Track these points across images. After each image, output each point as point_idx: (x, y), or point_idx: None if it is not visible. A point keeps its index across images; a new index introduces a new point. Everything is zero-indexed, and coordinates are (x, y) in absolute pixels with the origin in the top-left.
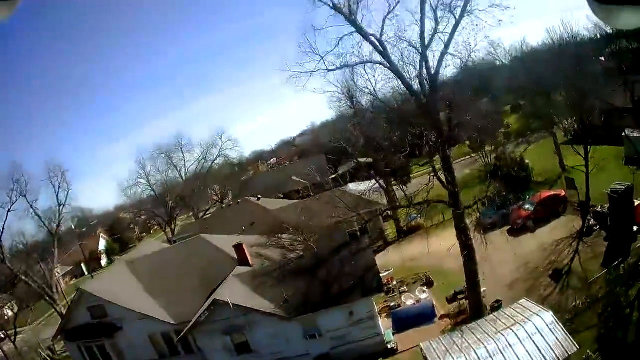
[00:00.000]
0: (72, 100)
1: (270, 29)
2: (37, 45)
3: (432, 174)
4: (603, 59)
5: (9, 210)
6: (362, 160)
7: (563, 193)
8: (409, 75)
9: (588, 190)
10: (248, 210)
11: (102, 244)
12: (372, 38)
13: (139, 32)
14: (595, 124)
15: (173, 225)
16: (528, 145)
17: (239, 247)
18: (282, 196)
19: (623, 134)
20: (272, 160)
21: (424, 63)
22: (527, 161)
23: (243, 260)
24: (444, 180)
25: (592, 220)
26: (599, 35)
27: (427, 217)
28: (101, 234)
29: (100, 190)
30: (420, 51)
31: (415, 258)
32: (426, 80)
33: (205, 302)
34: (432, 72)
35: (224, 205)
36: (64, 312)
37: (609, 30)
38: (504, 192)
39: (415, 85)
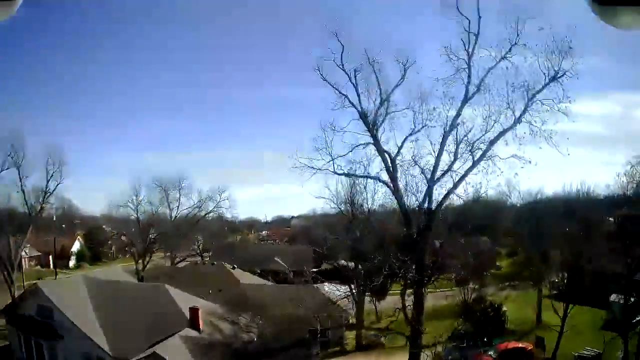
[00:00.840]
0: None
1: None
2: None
3: (399, 309)
4: (613, 219)
5: None
6: (344, 263)
7: (530, 347)
8: (409, 203)
9: (557, 348)
10: (221, 275)
11: (76, 245)
12: (386, 156)
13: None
14: (583, 284)
15: (147, 260)
16: (510, 292)
17: (194, 311)
18: (258, 271)
19: (610, 298)
20: (264, 232)
21: (428, 196)
22: (504, 308)
23: (195, 324)
24: (409, 316)
25: None
26: (615, 196)
27: (390, 339)
28: (79, 237)
29: (95, 192)
30: (428, 183)
31: None
32: (424, 214)
33: (146, 349)
34: (433, 206)
35: (198, 262)
36: (16, 293)
37: (628, 192)
38: (473, 333)
39: (412, 215)
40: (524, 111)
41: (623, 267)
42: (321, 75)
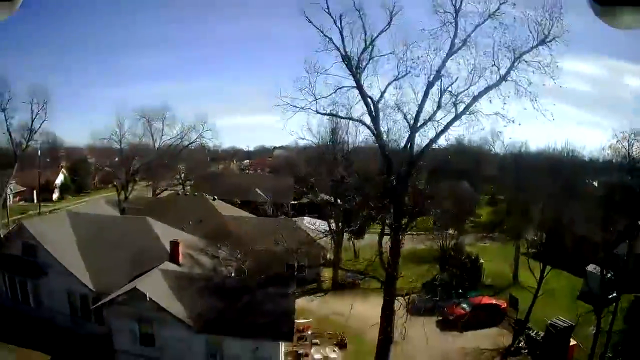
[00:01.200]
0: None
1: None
2: None
3: (376, 254)
4: (596, 184)
5: None
6: (325, 197)
7: (504, 305)
8: (391, 148)
9: (530, 312)
10: (201, 206)
11: (60, 178)
12: (369, 100)
13: None
14: (562, 247)
15: (129, 191)
16: (488, 243)
17: (174, 245)
18: (239, 202)
19: (588, 268)
20: (245, 161)
21: (409, 143)
22: (481, 261)
23: (174, 258)
24: (384, 261)
25: (522, 342)
26: (600, 160)
27: (366, 281)
28: (63, 169)
29: (78, 124)
30: (410, 131)
31: (340, 314)
32: (406, 160)
33: (127, 283)
34: (414, 154)
35: (179, 192)
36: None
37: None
38: (448, 283)
39: (393, 160)
40: (510, 69)
41: (605, 236)
42: (306, 17)
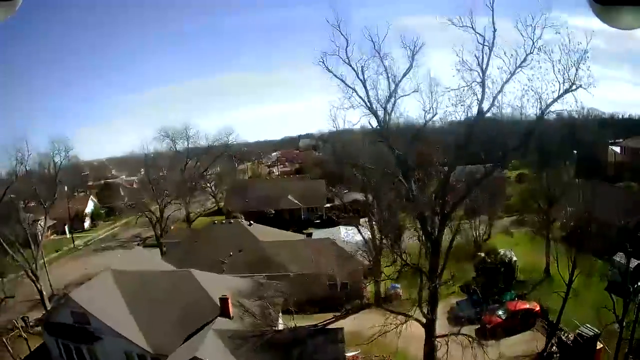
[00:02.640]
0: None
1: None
2: None
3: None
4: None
5: (8, 188)
6: (358, 198)
7: (537, 307)
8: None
9: (561, 314)
10: (238, 234)
11: (89, 206)
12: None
13: None
14: (589, 231)
15: (164, 222)
16: (519, 228)
17: (224, 301)
18: (272, 213)
19: (615, 257)
20: (273, 154)
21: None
22: (514, 259)
23: (225, 312)
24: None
25: (554, 346)
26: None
27: (408, 288)
28: (91, 197)
29: (96, 136)
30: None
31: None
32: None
33: (181, 342)
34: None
35: (215, 222)
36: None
37: None
38: (484, 289)
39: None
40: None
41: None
42: (326, 67)
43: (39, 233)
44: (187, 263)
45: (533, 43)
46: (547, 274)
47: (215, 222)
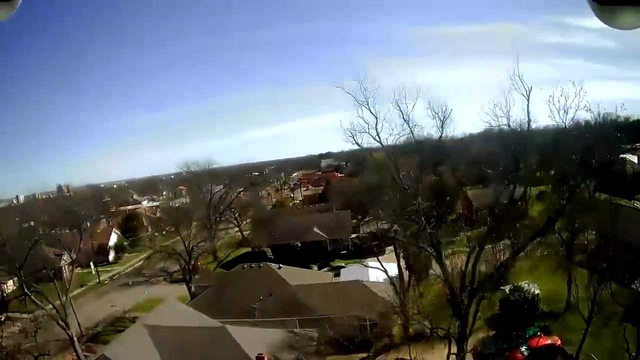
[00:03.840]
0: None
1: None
2: None
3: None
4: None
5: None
6: (384, 227)
7: (559, 342)
8: None
9: (580, 349)
10: (268, 277)
11: (113, 239)
12: None
13: None
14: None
15: (191, 265)
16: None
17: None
18: (299, 245)
19: (633, 285)
20: (294, 175)
21: None
22: (537, 292)
23: None
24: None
25: None
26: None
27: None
28: (114, 229)
29: (110, 160)
30: None
31: None
32: None
33: None
34: None
35: (244, 266)
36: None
37: None
38: (507, 325)
39: None
40: None
41: None
42: (356, 142)
43: (65, 267)
44: (218, 309)
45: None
46: (569, 305)
47: (245, 266)
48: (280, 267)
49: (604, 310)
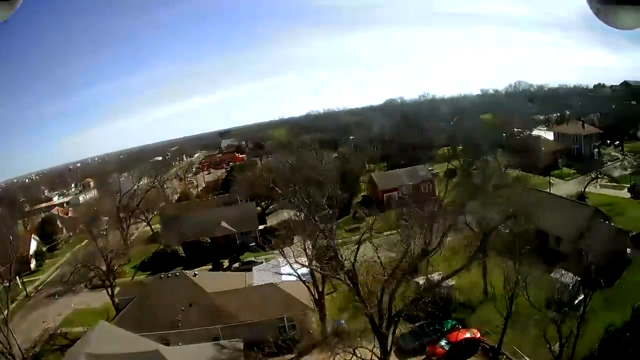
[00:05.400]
0: None
1: None
2: None
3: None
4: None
5: None
6: (288, 217)
7: (478, 335)
8: None
9: (501, 340)
10: (185, 287)
11: (33, 246)
12: None
13: None
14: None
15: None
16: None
17: None
18: (209, 241)
19: (552, 274)
20: (196, 156)
21: None
22: (452, 283)
23: None
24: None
25: None
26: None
27: (353, 320)
28: (33, 235)
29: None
30: None
31: None
32: None
33: None
34: None
35: (162, 275)
36: None
37: None
38: (426, 320)
39: None
40: None
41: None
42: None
43: None
44: (144, 323)
45: None
46: (486, 294)
47: (162, 276)
48: (195, 275)
49: (523, 300)
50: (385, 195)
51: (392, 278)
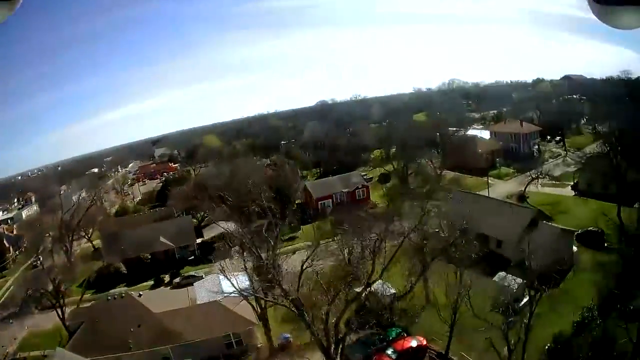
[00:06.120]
0: None
1: None
2: None
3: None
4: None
5: None
6: (227, 228)
7: (424, 342)
8: None
9: (448, 346)
10: (132, 308)
11: None
12: None
13: None
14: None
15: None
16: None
17: None
18: (149, 257)
19: (495, 277)
20: (131, 165)
21: None
22: (392, 291)
23: None
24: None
25: None
26: None
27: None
28: None
29: None
30: None
31: None
32: None
33: None
34: None
35: (109, 297)
36: None
37: None
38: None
39: None
40: None
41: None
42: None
43: None
44: (97, 347)
45: None
46: (428, 300)
47: (109, 297)
48: (140, 295)
49: (466, 305)
50: (319, 203)
51: (336, 297)
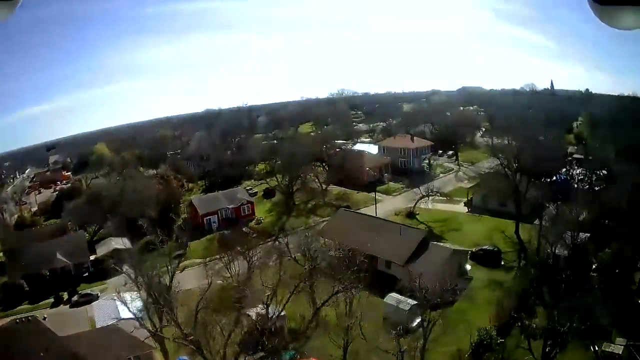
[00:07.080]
0: None
1: None
2: None
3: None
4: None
5: None
6: (118, 246)
7: None
8: None
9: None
10: (39, 332)
11: None
12: None
13: None
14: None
15: None
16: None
17: None
18: (48, 274)
19: (386, 299)
20: (27, 171)
21: None
22: (282, 313)
23: None
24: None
25: None
26: None
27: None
28: None
29: None
30: None
31: None
32: None
33: None
34: None
35: (17, 321)
36: None
37: None
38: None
39: None
40: None
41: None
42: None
43: None
44: None
45: None
46: (316, 320)
47: (17, 321)
48: (45, 318)
49: (361, 325)
50: (205, 219)
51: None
